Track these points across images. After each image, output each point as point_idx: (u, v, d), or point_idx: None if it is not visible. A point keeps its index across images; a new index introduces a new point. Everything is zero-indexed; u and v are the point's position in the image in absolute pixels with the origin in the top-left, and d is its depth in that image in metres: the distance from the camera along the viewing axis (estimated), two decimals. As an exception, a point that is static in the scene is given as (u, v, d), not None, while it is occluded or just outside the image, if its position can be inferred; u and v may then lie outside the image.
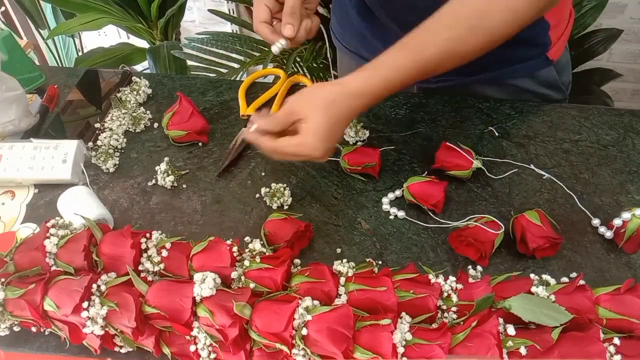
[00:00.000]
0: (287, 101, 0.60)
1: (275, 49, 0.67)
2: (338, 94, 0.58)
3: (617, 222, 0.61)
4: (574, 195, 0.68)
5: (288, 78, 0.86)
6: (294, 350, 0.49)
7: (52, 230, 0.59)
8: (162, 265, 0.57)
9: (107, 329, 0.54)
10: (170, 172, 0.72)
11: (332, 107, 0.57)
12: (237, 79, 1.26)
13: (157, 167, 0.73)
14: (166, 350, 0.55)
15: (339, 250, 0.64)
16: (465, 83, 0.81)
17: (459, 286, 0.55)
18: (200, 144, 0.78)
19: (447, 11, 0.58)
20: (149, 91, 0.86)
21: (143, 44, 1.76)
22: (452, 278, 0.56)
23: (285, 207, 0.69)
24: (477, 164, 0.67)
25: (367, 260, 0.62)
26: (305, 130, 0.57)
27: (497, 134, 0.76)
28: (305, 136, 0.57)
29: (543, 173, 0.70)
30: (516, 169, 0.71)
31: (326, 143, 0.58)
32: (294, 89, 0.86)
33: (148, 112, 0.82)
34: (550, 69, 0.79)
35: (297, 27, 0.65)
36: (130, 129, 0.80)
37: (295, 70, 1.50)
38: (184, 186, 0.72)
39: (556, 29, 0.75)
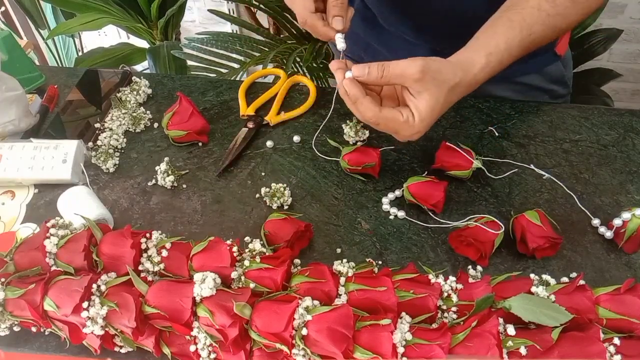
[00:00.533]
0: (408, 63, 0.52)
1: (340, 44, 0.58)
2: (461, 81, 0.54)
3: (617, 222, 0.61)
4: (574, 195, 0.68)
5: (288, 78, 0.86)
6: (294, 350, 0.49)
7: (52, 230, 0.59)
8: (162, 265, 0.57)
9: (107, 329, 0.54)
10: (170, 172, 0.72)
11: (452, 94, 0.54)
12: (237, 79, 1.26)
13: (157, 167, 0.73)
14: (166, 350, 0.55)
15: (339, 250, 0.64)
16: None
17: (459, 286, 0.55)
18: (200, 144, 0.78)
19: None
20: (149, 91, 0.86)
21: (143, 44, 1.76)
22: (452, 278, 0.56)
23: (285, 207, 0.69)
24: (477, 164, 0.67)
25: (367, 260, 0.62)
26: (415, 109, 0.52)
27: (497, 134, 0.76)
28: (414, 116, 0.52)
29: (543, 173, 0.70)
30: (516, 169, 0.71)
31: (427, 128, 0.54)
32: (294, 88, 0.86)
33: (148, 112, 0.82)
34: (558, 63, 0.80)
35: (347, 18, 0.59)
36: (130, 129, 0.80)
37: (295, 70, 1.50)
38: (184, 186, 0.72)
39: None
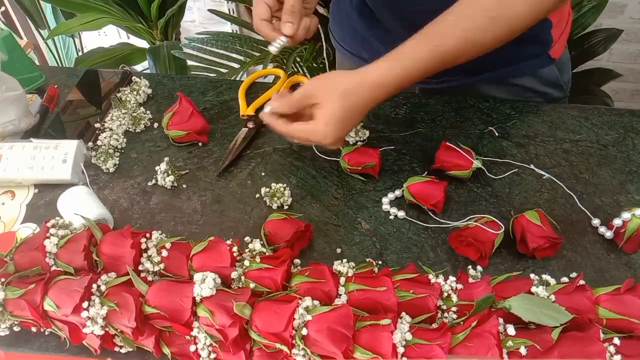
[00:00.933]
0: (305, 83, 0.61)
1: (273, 48, 0.66)
2: (357, 85, 0.58)
3: (617, 222, 0.61)
4: (574, 195, 0.68)
5: (288, 78, 0.86)
6: (294, 350, 0.49)
7: (52, 230, 0.59)
8: (162, 265, 0.57)
9: (107, 329, 0.54)
10: (170, 172, 0.72)
11: (349, 97, 0.58)
12: (237, 79, 1.26)
13: (157, 167, 0.73)
14: (166, 350, 0.55)
15: (339, 250, 0.64)
16: (468, 83, 0.81)
17: (459, 286, 0.55)
18: (200, 144, 0.78)
19: (467, 2, 0.58)
20: (149, 91, 0.86)
21: (143, 44, 1.76)
22: (452, 278, 0.56)
23: (285, 207, 0.69)
24: (477, 164, 0.67)
25: (367, 260, 0.62)
26: (319, 117, 0.58)
27: (497, 134, 0.76)
28: (317, 123, 0.58)
29: (543, 173, 0.70)
30: (516, 169, 0.71)
31: (338, 132, 0.59)
32: (294, 88, 0.86)
33: (148, 112, 0.82)
34: (552, 67, 0.80)
35: (297, 25, 0.65)
36: (130, 129, 0.80)
37: (295, 70, 1.50)
38: (184, 186, 0.72)
39: (557, 27, 0.76)
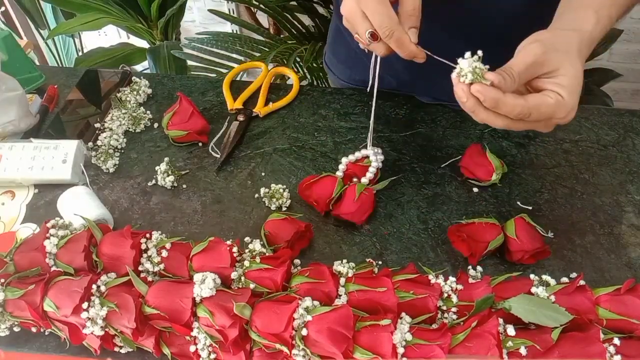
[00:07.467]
0: (525, 50, 0.49)
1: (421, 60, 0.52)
2: (581, 43, 0.50)
3: None
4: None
5: (269, 71, 0.87)
6: (294, 351, 0.49)
7: (52, 231, 0.59)
8: (162, 266, 0.57)
9: (107, 330, 0.54)
10: (170, 172, 0.72)
11: (581, 57, 0.50)
12: (237, 79, 1.25)
13: (157, 167, 0.73)
14: (166, 351, 0.55)
15: (339, 251, 0.64)
16: None
17: (459, 287, 0.55)
18: (200, 144, 0.78)
19: None
20: (149, 91, 0.86)
21: (143, 44, 1.76)
22: (452, 278, 0.56)
23: (284, 209, 0.69)
24: (495, 178, 0.67)
25: (367, 260, 0.62)
26: (559, 87, 0.48)
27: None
28: (561, 94, 0.48)
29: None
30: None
31: (577, 100, 0.49)
32: (277, 78, 0.87)
33: (148, 112, 0.82)
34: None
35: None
36: (130, 129, 0.80)
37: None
38: (184, 186, 0.72)
39: None
